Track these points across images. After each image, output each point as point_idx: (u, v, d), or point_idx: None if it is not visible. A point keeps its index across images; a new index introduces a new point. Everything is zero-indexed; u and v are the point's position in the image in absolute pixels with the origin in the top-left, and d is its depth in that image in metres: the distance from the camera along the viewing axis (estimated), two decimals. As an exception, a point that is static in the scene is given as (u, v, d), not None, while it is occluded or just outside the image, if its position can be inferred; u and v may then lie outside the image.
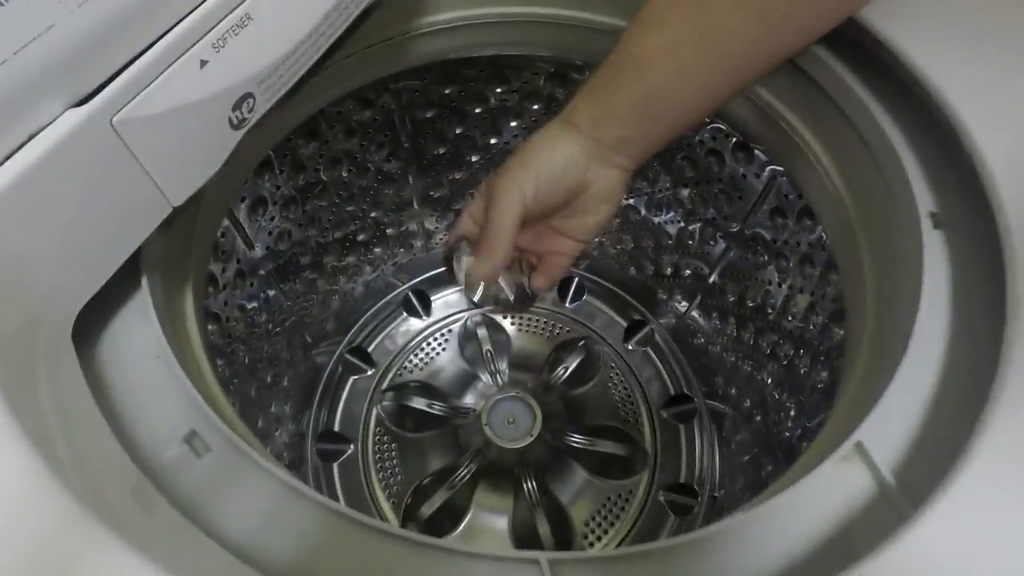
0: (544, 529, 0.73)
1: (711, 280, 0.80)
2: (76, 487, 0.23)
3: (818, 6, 0.34)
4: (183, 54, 0.28)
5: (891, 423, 0.30)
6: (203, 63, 0.28)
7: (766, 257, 0.69)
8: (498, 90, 0.72)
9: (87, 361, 0.33)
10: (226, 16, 0.29)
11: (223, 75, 0.30)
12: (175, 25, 0.28)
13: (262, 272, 0.68)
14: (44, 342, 0.27)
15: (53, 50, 0.23)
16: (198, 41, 0.28)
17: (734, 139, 0.64)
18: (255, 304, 0.68)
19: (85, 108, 0.25)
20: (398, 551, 0.28)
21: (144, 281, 0.35)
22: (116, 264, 0.30)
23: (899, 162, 0.39)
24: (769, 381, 0.71)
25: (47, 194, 0.25)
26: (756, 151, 0.62)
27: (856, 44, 0.42)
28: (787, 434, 0.66)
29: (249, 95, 0.32)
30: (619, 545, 0.76)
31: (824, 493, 0.28)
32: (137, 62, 0.26)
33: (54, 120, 0.25)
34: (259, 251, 0.66)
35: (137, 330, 0.34)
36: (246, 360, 0.66)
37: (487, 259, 0.40)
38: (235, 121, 0.32)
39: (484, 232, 0.40)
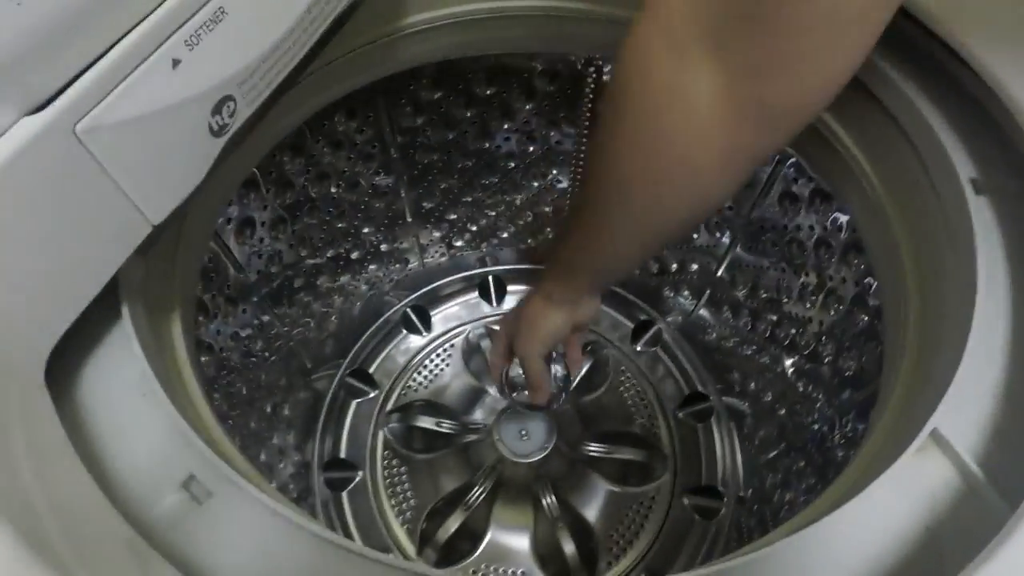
0: (568, 546, 0.70)
1: (719, 274, 0.77)
2: (63, 559, 0.20)
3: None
4: (152, 53, 0.25)
5: (967, 408, 0.27)
6: (175, 63, 0.25)
7: (777, 245, 0.66)
8: (488, 92, 0.69)
9: (64, 406, 0.29)
10: (198, 10, 0.26)
11: (199, 76, 0.27)
12: (141, 21, 0.25)
13: (254, 297, 0.65)
14: (13, 390, 0.23)
15: (-5, 50, 0.20)
16: (168, 38, 0.25)
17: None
18: (249, 331, 0.64)
19: (43, 115, 0.22)
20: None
21: (125, 310, 0.31)
22: (91, 293, 0.27)
23: (931, 130, 0.36)
24: (791, 373, 0.69)
25: (4, 214, 0.22)
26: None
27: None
28: (816, 426, 0.63)
29: (229, 98, 0.29)
30: (646, 554, 0.73)
31: (904, 489, 0.25)
32: (100, 63, 0.23)
33: (7, 129, 0.21)
34: (250, 275, 0.63)
35: (120, 366, 0.31)
36: (243, 391, 0.63)
37: (539, 395, 0.61)
38: (215, 127, 0.29)
39: (528, 382, 0.60)
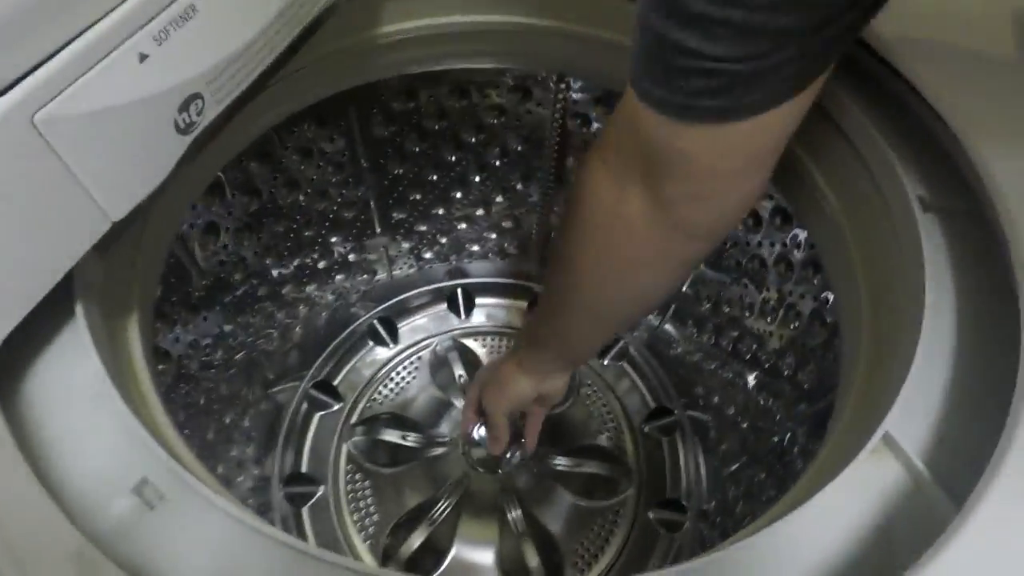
0: (533, 561, 0.70)
1: (684, 289, 0.79)
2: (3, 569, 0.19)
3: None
4: (118, 46, 0.24)
5: (916, 413, 0.28)
6: (143, 57, 0.25)
7: (740, 261, 0.68)
8: (458, 105, 0.70)
9: (10, 408, 0.28)
10: (168, 5, 0.26)
11: (166, 72, 0.26)
12: (108, 13, 0.24)
13: (216, 305, 0.63)
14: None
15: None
16: (136, 32, 0.25)
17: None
18: (209, 340, 0.63)
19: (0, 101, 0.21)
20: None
21: (79, 309, 0.30)
22: (45, 288, 0.26)
23: (884, 152, 0.38)
24: (752, 386, 0.70)
25: (-46, 202, 0.21)
26: (725, 154, 0.62)
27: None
28: (775, 439, 0.64)
29: (197, 96, 0.29)
30: (611, 568, 0.73)
31: (858, 490, 0.26)
32: (63, 52, 0.23)
33: (-39, 115, 0.21)
34: (212, 282, 0.61)
35: (72, 367, 0.30)
36: (201, 401, 0.61)
37: (496, 445, 0.65)
38: (182, 125, 0.28)
39: (488, 432, 0.66)
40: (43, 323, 0.29)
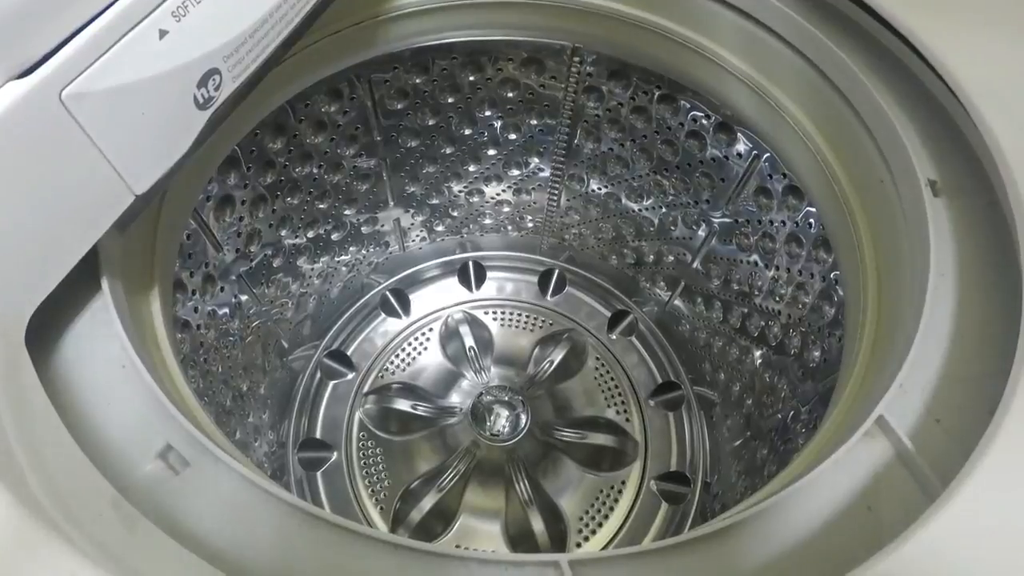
0: (538, 527, 0.72)
1: (694, 266, 0.79)
2: (49, 515, 0.20)
3: None
4: (139, 23, 0.25)
5: (911, 396, 0.29)
6: (162, 33, 0.26)
7: (751, 239, 0.68)
8: (471, 78, 0.70)
9: (43, 375, 0.29)
10: (186, -16, 0.27)
11: (185, 47, 0.27)
12: (128, -7, 0.25)
13: (232, 276, 0.64)
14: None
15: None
16: (155, 9, 0.26)
17: (715, 120, 0.63)
18: (226, 310, 0.64)
19: (29, 80, 0.22)
20: (405, 563, 0.26)
21: (105, 283, 0.31)
22: (73, 259, 0.27)
23: (895, 131, 0.38)
24: (759, 364, 0.71)
25: (-11, 179, 0.22)
26: (738, 132, 0.61)
27: (841, 15, 0.41)
28: (779, 416, 0.65)
29: (215, 71, 0.29)
30: (614, 537, 0.75)
31: (850, 470, 0.27)
32: (86, 30, 0.23)
33: (-8, 94, 0.21)
34: (228, 254, 0.63)
35: (99, 338, 0.31)
36: (219, 369, 0.63)
37: None
38: (200, 100, 0.29)
39: None
40: (70, 297, 0.31)
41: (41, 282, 0.26)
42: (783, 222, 0.63)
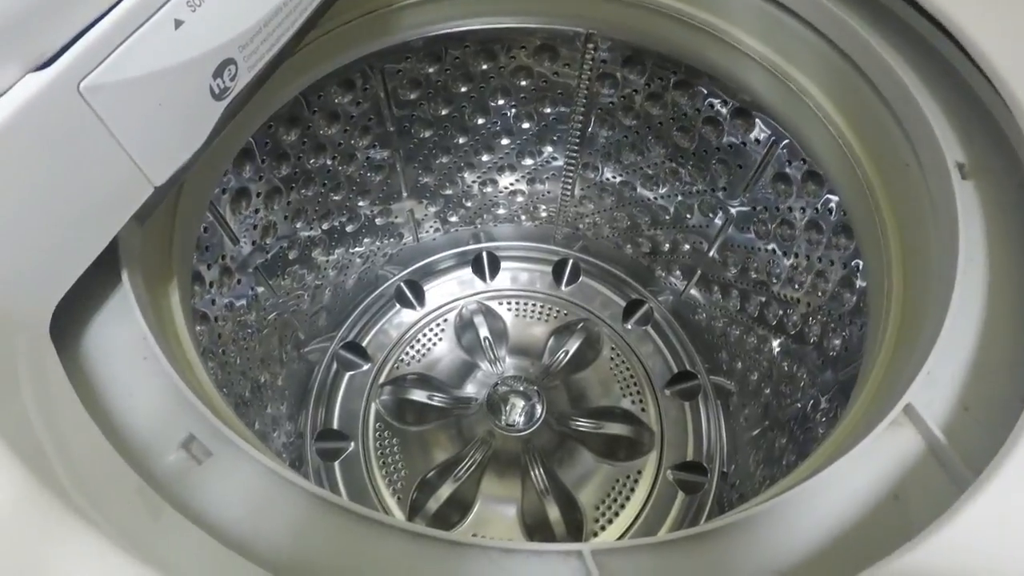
0: (554, 516, 0.72)
1: (710, 254, 0.78)
2: (74, 499, 0.21)
3: None
4: (155, 13, 0.25)
5: (940, 385, 0.28)
6: (178, 23, 0.25)
7: (769, 227, 0.67)
8: (484, 67, 0.69)
9: (67, 367, 0.30)
10: (200, -26, 0.26)
11: (201, 38, 0.27)
12: (144, -17, 0.25)
13: (249, 268, 0.65)
14: (20, 339, 0.24)
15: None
16: None
17: (733, 105, 0.62)
18: (243, 302, 0.65)
19: (48, 72, 0.22)
20: (425, 551, 0.26)
21: (125, 276, 0.32)
22: (95, 251, 0.27)
23: (922, 113, 0.37)
24: (777, 353, 0.70)
25: (9, 170, 0.22)
26: (756, 117, 0.60)
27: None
28: (798, 405, 0.64)
29: (231, 61, 0.29)
30: (631, 527, 0.75)
31: (877, 459, 0.27)
32: (103, 21, 0.23)
33: (12, 86, 0.21)
34: (245, 246, 0.63)
35: (120, 330, 0.31)
36: (237, 361, 0.63)
37: None
38: (216, 90, 0.29)
39: None
40: (92, 289, 0.31)
41: (64, 274, 0.26)
42: (802, 209, 0.62)
